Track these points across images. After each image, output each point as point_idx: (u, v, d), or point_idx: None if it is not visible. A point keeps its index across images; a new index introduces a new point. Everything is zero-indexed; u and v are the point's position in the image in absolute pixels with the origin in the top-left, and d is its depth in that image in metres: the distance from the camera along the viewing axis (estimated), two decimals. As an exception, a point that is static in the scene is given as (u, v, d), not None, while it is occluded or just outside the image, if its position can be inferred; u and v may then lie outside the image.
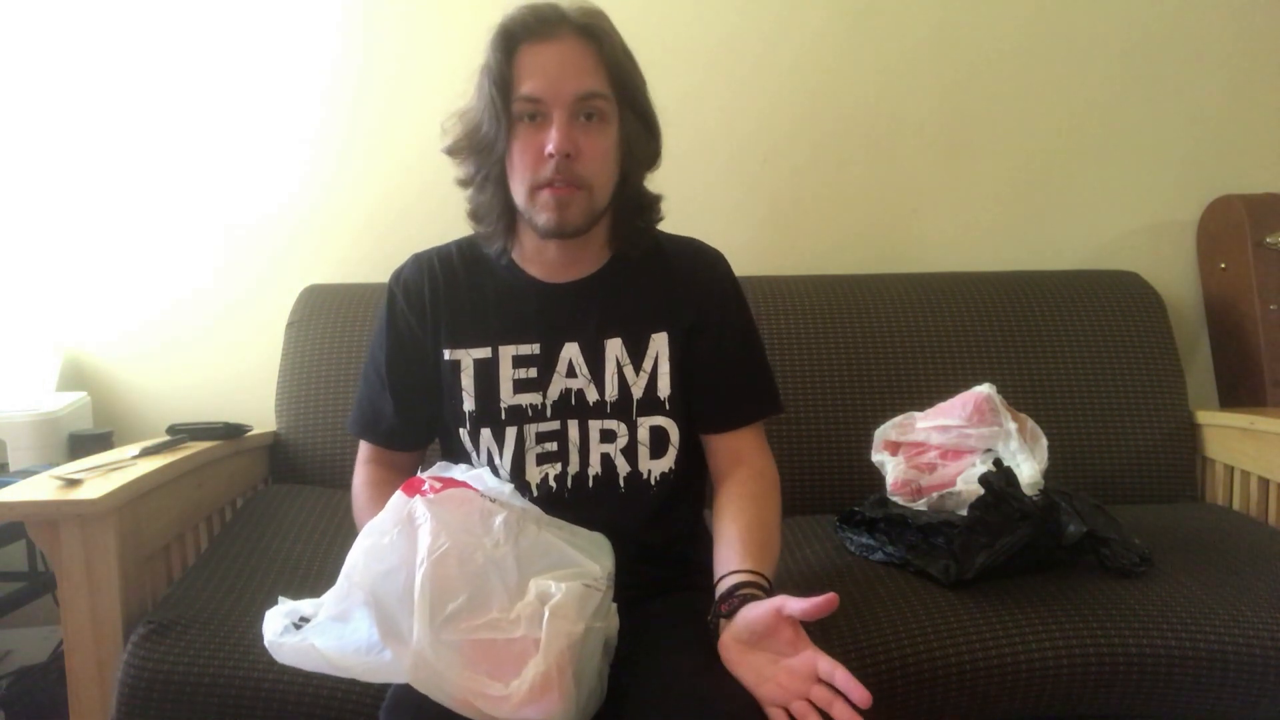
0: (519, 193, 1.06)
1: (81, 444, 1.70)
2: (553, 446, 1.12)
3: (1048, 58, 1.98)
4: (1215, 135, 2.00)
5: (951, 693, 1.13)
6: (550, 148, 1.01)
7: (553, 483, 1.12)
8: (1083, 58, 1.98)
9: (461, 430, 1.14)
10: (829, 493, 1.67)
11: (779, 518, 1.11)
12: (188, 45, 1.90)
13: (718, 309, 1.15)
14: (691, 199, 1.90)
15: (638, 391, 1.12)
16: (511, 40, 1.04)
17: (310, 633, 0.88)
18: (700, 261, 1.18)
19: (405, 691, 0.86)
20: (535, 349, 1.12)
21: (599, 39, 1.04)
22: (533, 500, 1.08)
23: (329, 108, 1.93)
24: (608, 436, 1.12)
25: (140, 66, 1.90)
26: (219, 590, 1.26)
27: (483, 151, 1.07)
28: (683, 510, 1.18)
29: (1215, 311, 1.99)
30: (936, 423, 1.45)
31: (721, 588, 0.99)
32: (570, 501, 1.11)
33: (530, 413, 1.12)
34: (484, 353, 1.13)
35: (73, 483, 1.20)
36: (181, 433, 1.49)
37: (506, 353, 1.13)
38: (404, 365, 1.16)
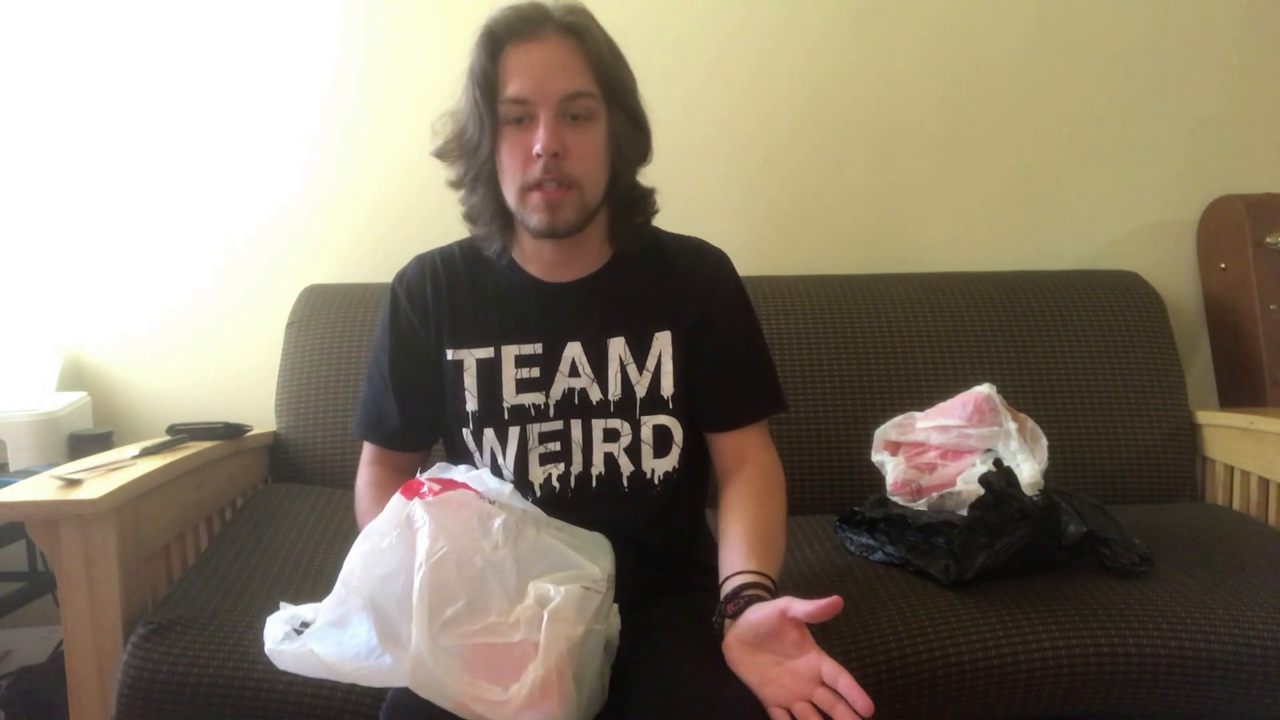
0: (510, 194, 1.06)
1: (81, 444, 1.70)
2: (556, 446, 1.12)
3: (1048, 58, 1.98)
4: (1215, 135, 2.00)
5: (951, 693, 1.13)
6: (538, 148, 1.01)
7: (556, 483, 1.12)
8: (1083, 58, 1.98)
9: (464, 430, 1.14)
10: (829, 493, 1.67)
11: (783, 516, 1.11)
12: (188, 46, 1.90)
13: (721, 308, 1.15)
14: (692, 199, 1.92)
15: (641, 390, 1.11)
16: (495, 42, 1.04)
17: (309, 639, 0.88)
18: (703, 261, 1.18)
19: (405, 694, 0.86)
20: (538, 348, 1.12)
21: (583, 37, 1.03)
22: (536, 500, 1.08)
23: (329, 108, 1.93)
24: (611, 436, 1.12)
25: (140, 67, 1.90)
26: (219, 590, 1.26)
27: (470, 154, 1.07)
28: (686, 510, 1.18)
29: (1215, 311, 1.99)
30: (936, 423, 1.45)
31: (726, 589, 0.99)
32: (573, 501, 1.11)
33: (533, 412, 1.12)
34: (487, 353, 1.13)
35: (73, 483, 1.20)
36: (181, 433, 1.49)
37: (509, 352, 1.12)
38: (407, 366, 1.16)
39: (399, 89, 1.91)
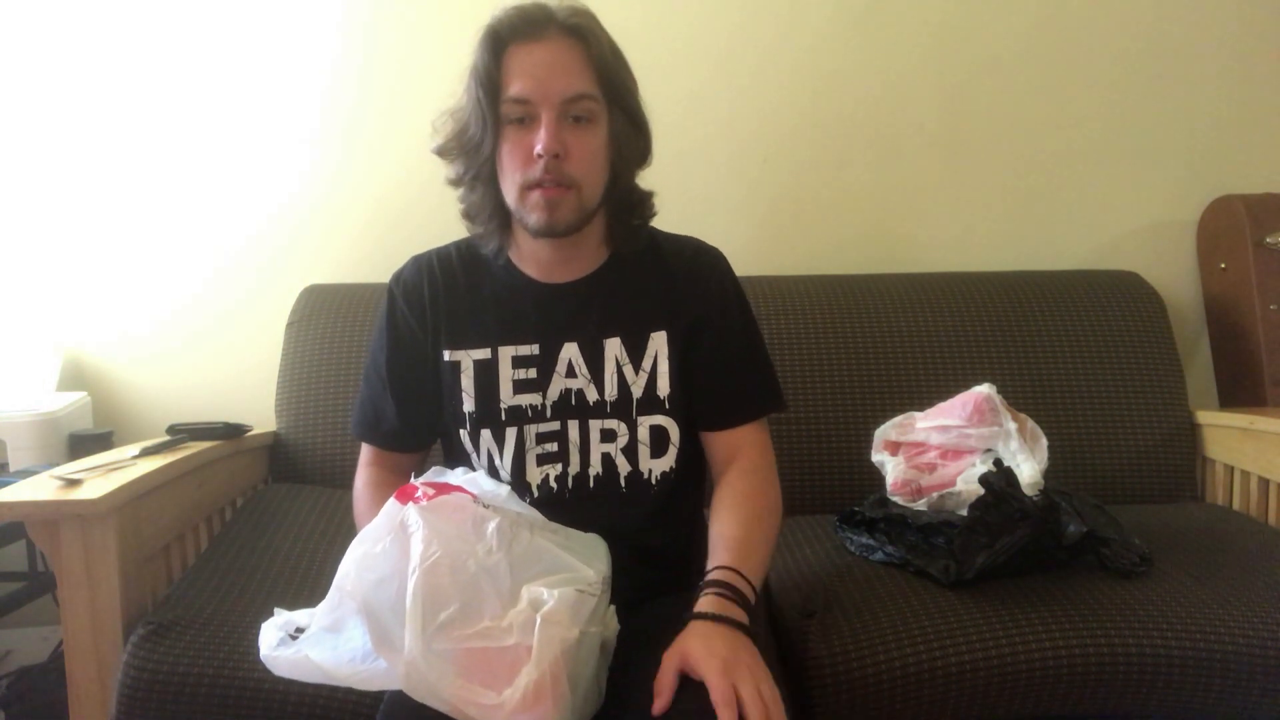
0: (509, 193, 1.06)
1: (81, 444, 1.70)
2: (553, 447, 1.12)
3: (1048, 59, 1.98)
4: (1215, 135, 2.00)
5: (951, 693, 1.13)
6: (539, 149, 1.01)
7: (553, 483, 1.12)
8: (1083, 58, 1.98)
9: (462, 431, 1.14)
10: (829, 493, 1.67)
11: (774, 513, 1.10)
12: (188, 46, 1.90)
13: (718, 307, 1.15)
14: (692, 199, 1.92)
15: (637, 391, 1.12)
16: (499, 41, 1.04)
17: (304, 644, 0.88)
18: (700, 260, 1.18)
19: (401, 697, 0.86)
20: (534, 349, 1.12)
21: (586, 39, 1.03)
22: (533, 501, 1.08)
23: (329, 108, 1.93)
24: (608, 436, 1.12)
25: (140, 67, 1.90)
26: (219, 590, 1.26)
27: (471, 152, 1.08)
28: (683, 510, 1.18)
29: (1215, 311, 1.99)
30: (936, 423, 1.45)
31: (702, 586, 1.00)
32: (571, 502, 1.11)
33: (530, 413, 1.12)
34: (483, 353, 1.13)
35: (73, 483, 1.20)
36: (181, 433, 1.49)
37: (506, 353, 1.13)
38: (405, 367, 1.16)
39: (399, 89, 1.91)
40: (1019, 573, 1.25)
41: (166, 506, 1.34)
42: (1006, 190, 2.01)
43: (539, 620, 0.82)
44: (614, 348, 1.12)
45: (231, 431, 1.55)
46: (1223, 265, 1.95)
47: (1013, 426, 1.41)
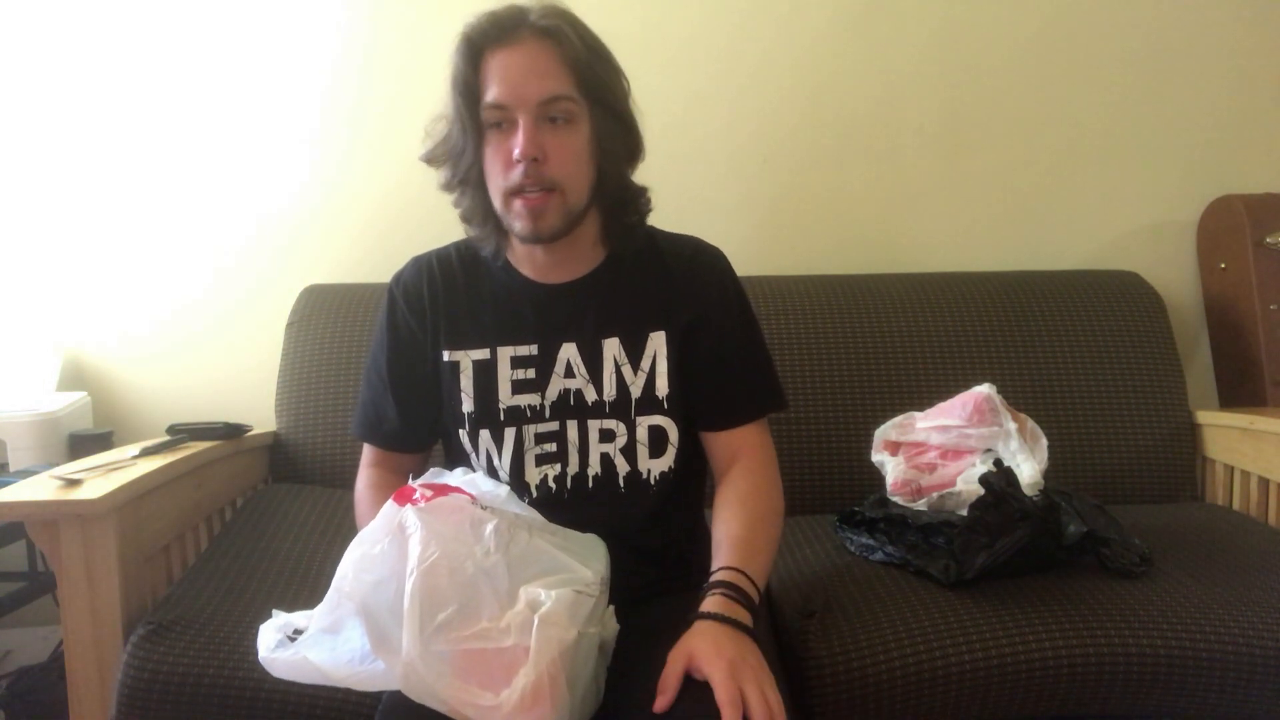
0: (495, 199, 1.07)
1: (81, 444, 1.70)
2: (552, 447, 1.12)
3: (1048, 59, 1.98)
4: (1215, 135, 2.00)
5: (951, 693, 1.13)
6: (516, 153, 1.02)
7: (552, 483, 1.12)
8: (1083, 58, 1.98)
9: (461, 432, 1.14)
10: (829, 493, 1.67)
11: (776, 513, 1.11)
12: (188, 46, 1.90)
13: (717, 306, 1.15)
14: (692, 199, 1.92)
15: (636, 391, 1.12)
16: (474, 48, 1.04)
17: (303, 646, 0.88)
18: (699, 259, 1.18)
19: (399, 698, 0.86)
20: (533, 350, 1.12)
21: (560, 40, 1.03)
22: (532, 501, 1.08)
23: (330, 108, 1.93)
24: (606, 436, 1.12)
25: (140, 67, 1.90)
26: (219, 590, 1.26)
27: (456, 159, 1.08)
28: (682, 510, 1.17)
29: (1215, 311, 1.99)
30: (936, 423, 1.45)
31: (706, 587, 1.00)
32: (570, 502, 1.11)
33: (529, 413, 1.12)
34: (482, 354, 1.13)
35: (73, 483, 1.20)
36: (181, 433, 1.49)
37: (505, 354, 1.13)
38: (405, 367, 1.16)
39: (399, 89, 1.91)
40: (1019, 573, 1.25)
41: (166, 506, 1.34)
42: (1006, 190, 2.01)
43: (537, 621, 0.82)
44: (612, 348, 1.12)
45: (231, 431, 1.55)
46: (1223, 265, 1.95)
47: (1013, 426, 1.41)
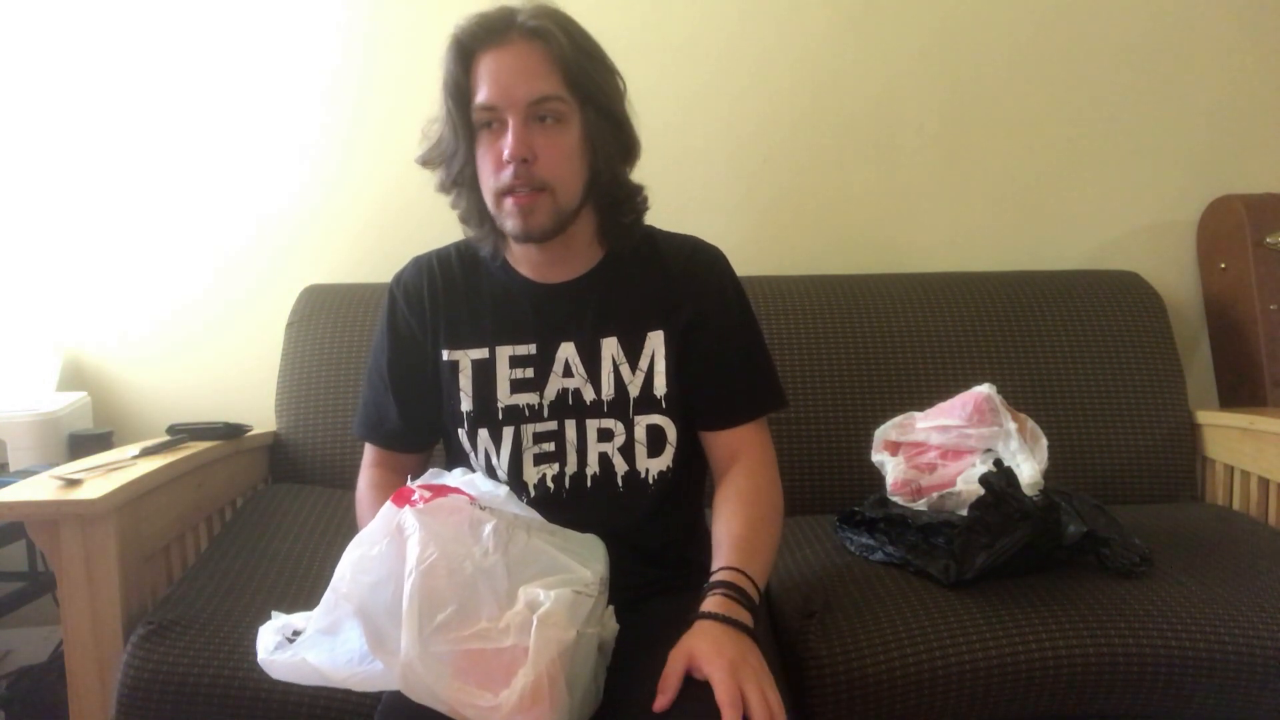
0: (487, 199, 1.08)
1: (81, 444, 1.70)
2: (550, 447, 1.12)
3: (1048, 58, 1.98)
4: (1215, 135, 2.00)
5: (951, 693, 1.13)
6: (506, 154, 1.02)
7: (550, 483, 1.12)
8: (1083, 58, 1.98)
9: (460, 431, 1.14)
10: (829, 493, 1.67)
11: (776, 512, 1.11)
12: (189, 46, 1.90)
13: (716, 306, 1.15)
14: (692, 199, 1.92)
15: (634, 390, 1.12)
16: (464, 50, 1.05)
17: (301, 647, 0.88)
18: (698, 258, 1.18)
19: (398, 698, 0.86)
20: (532, 349, 1.12)
21: (549, 40, 1.03)
22: (530, 501, 1.08)
23: (330, 108, 1.93)
24: (605, 436, 1.12)
25: (140, 67, 1.90)
26: (219, 590, 1.26)
27: (449, 161, 1.09)
28: (681, 509, 1.17)
29: (1215, 311, 1.99)
30: (936, 423, 1.45)
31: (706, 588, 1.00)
32: (568, 501, 1.11)
33: (527, 413, 1.12)
34: (481, 353, 1.13)
35: (73, 483, 1.20)
36: (181, 433, 1.49)
37: (503, 353, 1.13)
38: (406, 367, 1.17)
39: (400, 90, 1.91)
40: (1019, 573, 1.25)
41: (166, 506, 1.34)
42: (1006, 190, 2.01)
43: (535, 621, 0.82)
44: (611, 347, 1.12)
45: (231, 431, 1.55)
46: (1223, 265, 1.94)
47: (1013, 426, 1.41)
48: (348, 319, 1.75)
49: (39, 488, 1.21)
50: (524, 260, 1.14)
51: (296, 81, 1.92)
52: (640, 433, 1.12)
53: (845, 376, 1.72)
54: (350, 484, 1.22)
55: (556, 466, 1.12)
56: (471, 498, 0.91)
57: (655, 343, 1.12)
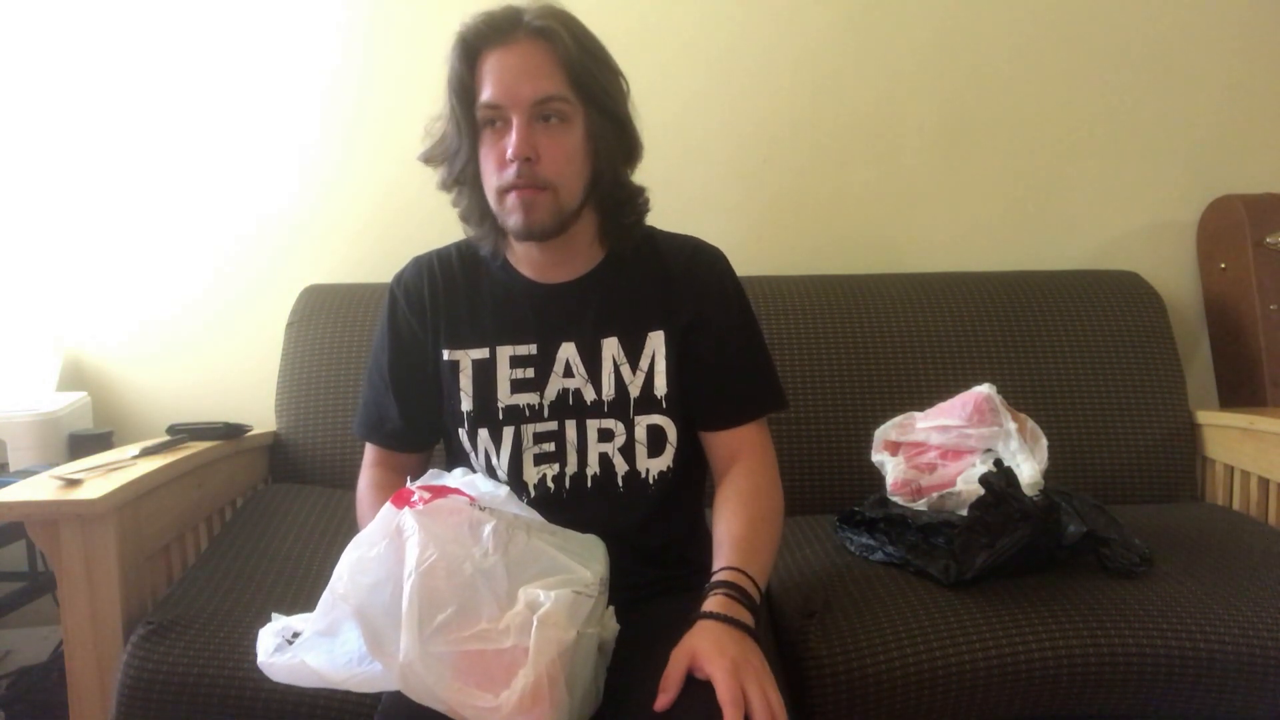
0: (489, 197, 1.08)
1: (81, 444, 1.70)
2: (550, 447, 1.12)
3: (1048, 58, 1.98)
4: (1215, 135, 2.00)
5: (951, 693, 1.13)
6: (509, 153, 1.02)
7: (550, 483, 1.12)
8: (1083, 58, 1.98)
9: (460, 431, 1.14)
10: (829, 493, 1.67)
11: (777, 513, 1.11)
12: (189, 46, 1.90)
13: (716, 306, 1.15)
14: (692, 199, 1.92)
15: (634, 390, 1.12)
16: (470, 49, 1.05)
17: (300, 650, 0.88)
18: (699, 259, 1.18)
19: (398, 697, 0.86)
20: (532, 349, 1.12)
21: (554, 40, 1.03)
22: (530, 501, 1.08)
23: (329, 108, 1.93)
24: (605, 436, 1.12)
25: (141, 68, 1.90)
26: (219, 590, 1.26)
27: (452, 159, 1.09)
28: (682, 509, 1.17)
29: (1215, 311, 1.99)
30: (936, 423, 1.45)
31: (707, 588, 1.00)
32: (568, 502, 1.11)
33: (527, 413, 1.12)
34: (482, 353, 1.13)
35: (73, 483, 1.20)
36: (181, 433, 1.49)
37: (504, 353, 1.13)
38: (406, 367, 1.17)
39: (399, 90, 1.91)
40: (1019, 573, 1.25)
41: (166, 506, 1.34)
42: (1006, 190, 2.01)
43: (535, 622, 0.82)
44: (611, 347, 1.12)
45: (231, 431, 1.55)
46: (1223, 265, 1.95)
47: (1013, 426, 1.41)
48: (348, 319, 1.75)
49: (39, 488, 1.21)
50: (525, 260, 1.14)
51: (297, 81, 1.92)
52: (640, 433, 1.12)
53: (845, 376, 1.72)
54: (350, 484, 1.22)
55: (557, 466, 1.12)
56: (471, 498, 0.91)
57: (656, 343, 1.12)
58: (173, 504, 1.36)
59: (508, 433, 1.12)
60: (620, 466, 1.12)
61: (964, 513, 1.26)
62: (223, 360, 1.95)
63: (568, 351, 1.12)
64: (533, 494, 1.11)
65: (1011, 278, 1.87)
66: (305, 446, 1.70)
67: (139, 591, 1.25)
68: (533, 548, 0.89)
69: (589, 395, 1.12)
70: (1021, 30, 1.97)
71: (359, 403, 1.23)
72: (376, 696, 0.97)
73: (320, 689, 1.08)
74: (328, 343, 1.73)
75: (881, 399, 1.69)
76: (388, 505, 0.88)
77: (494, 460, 1.13)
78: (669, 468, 1.12)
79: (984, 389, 1.45)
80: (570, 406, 1.12)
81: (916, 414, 1.50)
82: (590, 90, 1.06)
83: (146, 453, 1.37)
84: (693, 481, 1.19)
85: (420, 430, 1.19)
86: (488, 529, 0.87)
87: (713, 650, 0.88)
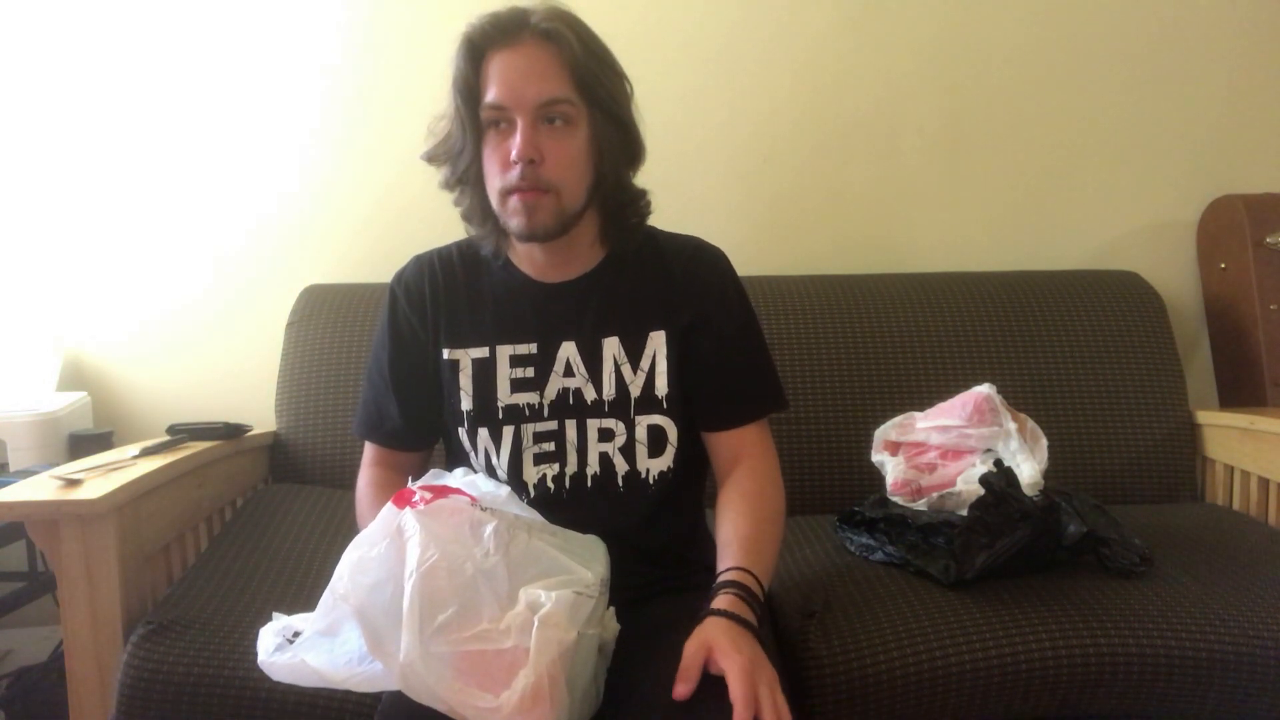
0: (491, 198, 1.08)
1: (81, 444, 1.70)
2: (550, 446, 1.12)
3: (1048, 59, 1.98)
4: (1215, 135, 2.00)
5: (951, 693, 1.13)
6: (514, 154, 1.02)
7: (550, 483, 1.12)
8: (1083, 58, 1.98)
9: (460, 430, 1.14)
10: (829, 493, 1.67)
11: (779, 513, 1.11)
12: (188, 45, 1.90)
13: (717, 306, 1.15)
14: (692, 199, 1.92)
15: (635, 390, 1.12)
16: (475, 49, 1.05)
17: (300, 649, 0.88)
18: (700, 259, 1.18)
19: (399, 696, 0.86)
20: (532, 348, 1.12)
21: (560, 43, 1.03)
22: (530, 501, 1.08)
23: (329, 108, 1.93)
24: (605, 435, 1.12)
25: (141, 66, 1.90)
26: (219, 590, 1.26)
27: (455, 159, 1.09)
28: (682, 510, 1.17)
29: (1215, 311, 1.99)
30: (936, 423, 1.45)
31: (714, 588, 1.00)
32: (568, 501, 1.11)
33: (527, 412, 1.12)
34: (482, 352, 1.13)
35: (73, 483, 1.20)
36: (181, 433, 1.49)
37: (504, 352, 1.13)
38: (407, 366, 1.17)
39: (399, 89, 1.91)
40: (1019, 573, 1.25)
41: (166, 506, 1.34)
42: (1006, 190, 2.01)
43: (536, 622, 0.82)
44: (612, 347, 1.12)
45: (231, 431, 1.55)
46: (1223, 265, 1.95)
47: (1013, 426, 1.41)
48: (348, 319, 1.75)
49: (39, 488, 1.21)
50: (526, 259, 1.14)
51: (296, 81, 1.92)
52: (641, 433, 1.12)
53: (845, 376, 1.72)
54: (350, 484, 1.22)
55: (556, 466, 1.12)
56: (473, 499, 0.91)
57: (657, 343, 1.12)
58: (173, 504, 1.36)
59: (507, 432, 1.12)
60: (620, 466, 1.12)
61: (964, 513, 1.26)
62: (223, 360, 1.95)
63: (568, 351, 1.12)
64: (532, 494, 1.11)
65: (1011, 278, 1.87)
66: (305, 446, 1.69)
67: (139, 591, 1.25)
68: (534, 548, 0.89)
69: (589, 395, 1.12)
70: (1021, 30, 1.97)
71: (359, 402, 1.23)
72: (376, 696, 0.97)
73: (320, 689, 1.08)
74: (328, 343, 1.73)
75: (881, 399, 1.69)
76: (389, 505, 0.88)
77: (494, 460, 1.13)
78: (669, 468, 1.12)
79: (984, 389, 1.45)
80: (570, 406, 1.12)
81: (916, 414, 1.50)
82: (595, 93, 1.06)
83: (146, 453, 1.37)
84: (693, 482, 1.19)
85: (420, 429, 1.19)
86: (489, 529, 0.87)
87: (730, 647, 0.88)
